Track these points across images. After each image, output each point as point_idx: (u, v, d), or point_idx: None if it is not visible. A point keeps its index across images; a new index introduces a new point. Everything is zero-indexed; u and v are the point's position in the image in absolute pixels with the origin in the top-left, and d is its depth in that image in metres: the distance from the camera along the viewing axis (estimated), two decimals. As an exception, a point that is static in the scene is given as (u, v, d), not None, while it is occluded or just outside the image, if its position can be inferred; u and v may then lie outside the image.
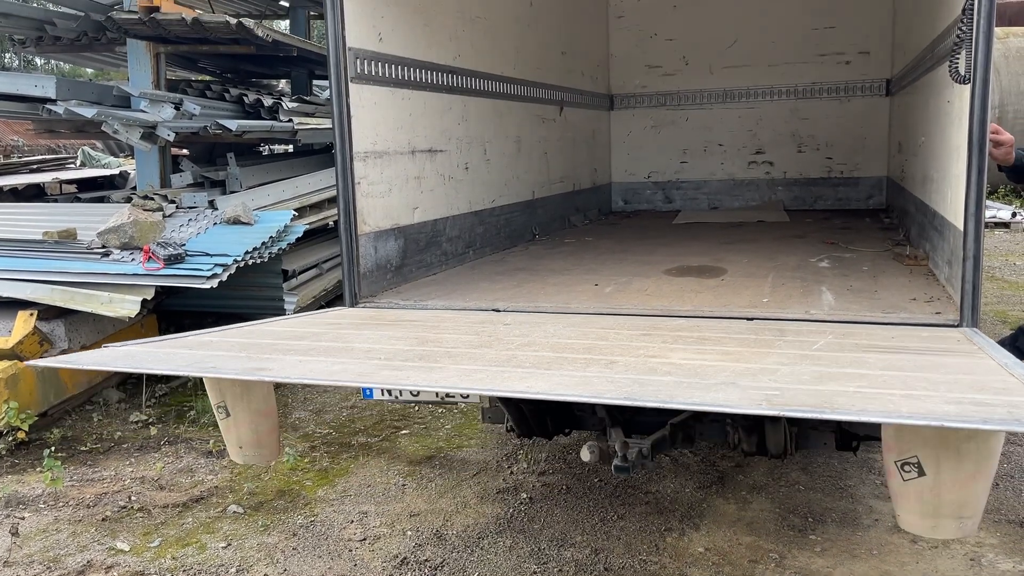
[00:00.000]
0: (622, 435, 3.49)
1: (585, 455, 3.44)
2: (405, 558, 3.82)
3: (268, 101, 7.70)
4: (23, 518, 4.34)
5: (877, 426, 3.33)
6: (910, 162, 5.33)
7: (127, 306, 5.35)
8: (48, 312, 5.46)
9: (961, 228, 2.93)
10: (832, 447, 3.63)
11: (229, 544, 4.04)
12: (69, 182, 9.59)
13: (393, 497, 4.47)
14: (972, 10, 2.80)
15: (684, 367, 2.43)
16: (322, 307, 7.73)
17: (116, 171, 10.76)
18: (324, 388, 6.36)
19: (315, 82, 10.84)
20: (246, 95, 7.73)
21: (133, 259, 5.65)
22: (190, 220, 6.36)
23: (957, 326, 2.91)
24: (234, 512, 4.36)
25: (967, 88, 2.87)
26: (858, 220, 6.40)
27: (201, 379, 6.12)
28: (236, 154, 7.59)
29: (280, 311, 6.38)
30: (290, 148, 10.19)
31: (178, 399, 6.10)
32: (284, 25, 11.89)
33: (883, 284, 3.73)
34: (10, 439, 5.03)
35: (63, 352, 5.54)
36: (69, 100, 6.71)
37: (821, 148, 7.47)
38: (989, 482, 2.19)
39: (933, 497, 2.20)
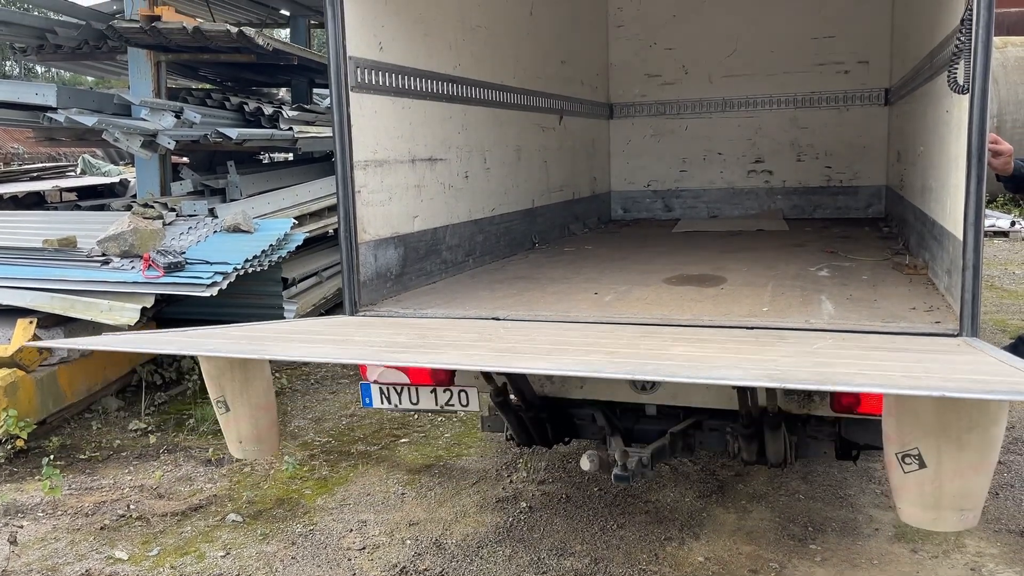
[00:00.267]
0: (622, 444, 3.49)
1: (585, 464, 3.43)
2: (404, 567, 3.81)
3: (268, 109, 7.72)
4: (22, 527, 4.33)
5: (878, 435, 3.32)
6: (909, 171, 5.34)
7: (127, 314, 5.35)
8: (48, 320, 5.46)
9: (960, 238, 2.93)
10: (832, 456, 3.63)
11: (228, 553, 4.03)
12: (69, 190, 9.60)
13: (392, 506, 4.46)
14: (971, 20, 2.81)
15: (685, 357, 2.44)
16: (321, 315, 7.73)
17: (116, 179, 10.78)
18: (324, 396, 6.36)
19: (315, 90, 10.88)
20: (246, 103, 7.75)
21: (133, 267, 5.65)
22: (190, 228, 6.37)
23: (957, 335, 2.92)
24: (233, 521, 4.35)
25: (966, 98, 2.88)
26: (857, 229, 6.40)
27: (201, 384, 6.13)
28: (236, 162, 7.61)
29: (280, 319, 6.38)
30: (290, 156, 10.21)
31: (177, 407, 6.10)
32: (284, 34, 11.93)
33: (883, 293, 3.73)
34: (9, 447, 5.03)
35: (62, 361, 5.54)
36: (70, 108, 6.73)
37: (820, 157, 7.48)
38: (990, 474, 2.18)
39: (934, 489, 2.18)
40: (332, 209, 7.67)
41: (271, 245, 6.23)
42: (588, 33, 7.27)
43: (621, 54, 7.78)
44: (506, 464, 4.90)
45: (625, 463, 3.31)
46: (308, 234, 7.24)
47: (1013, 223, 12.94)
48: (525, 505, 4.36)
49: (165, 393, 6.31)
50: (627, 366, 2.12)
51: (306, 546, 4.06)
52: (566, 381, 3.70)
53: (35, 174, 10.57)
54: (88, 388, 5.82)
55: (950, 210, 3.32)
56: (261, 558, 3.96)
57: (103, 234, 5.85)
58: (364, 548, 4.02)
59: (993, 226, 12.69)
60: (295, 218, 7.17)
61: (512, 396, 3.63)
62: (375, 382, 3.76)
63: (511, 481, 4.67)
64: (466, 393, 3.70)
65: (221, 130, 6.90)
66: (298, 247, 6.69)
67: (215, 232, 6.32)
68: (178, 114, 6.78)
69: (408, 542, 4.05)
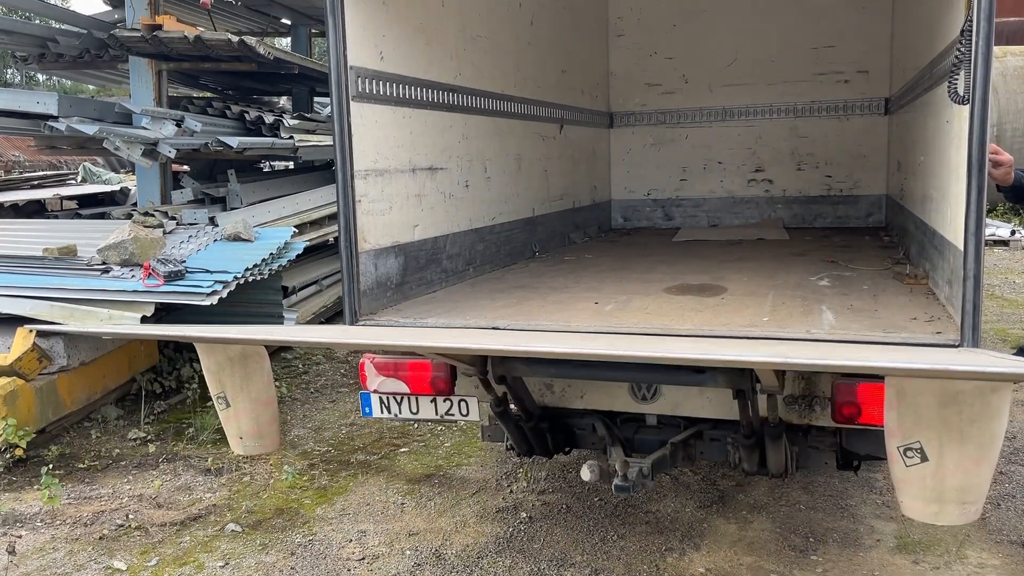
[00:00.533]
0: (622, 454, 3.48)
1: (585, 474, 3.42)
2: (404, 578, 3.79)
3: (269, 118, 7.73)
4: (20, 536, 4.32)
5: (879, 445, 3.31)
6: (909, 181, 5.34)
7: (126, 323, 5.34)
8: (47, 329, 5.45)
9: (961, 248, 2.93)
10: (833, 467, 3.62)
11: (227, 563, 4.01)
12: (70, 198, 9.60)
13: (392, 516, 4.45)
14: (971, 31, 2.81)
15: (688, 349, 2.43)
16: (322, 323, 7.73)
17: (117, 187, 10.78)
18: (323, 405, 6.35)
19: (316, 99, 10.89)
20: (247, 112, 7.76)
21: (133, 276, 5.65)
22: (190, 237, 6.37)
23: (958, 346, 2.91)
24: (232, 531, 4.33)
25: (966, 108, 2.88)
26: (858, 238, 6.40)
27: (200, 394, 6.12)
28: (237, 171, 7.62)
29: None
30: (291, 165, 10.22)
31: (176, 416, 6.09)
32: (285, 43, 11.96)
33: (883, 303, 3.73)
34: (8, 456, 5.01)
35: (61, 370, 5.53)
36: (71, 117, 6.74)
37: (820, 166, 7.48)
38: (992, 467, 2.17)
39: (936, 483, 2.17)
40: (332, 217, 7.67)
41: (271, 254, 6.23)
42: (588, 42, 7.28)
43: (621, 63, 7.79)
44: (506, 474, 4.88)
45: (626, 473, 3.30)
46: (308, 243, 7.24)
47: (1013, 232, 12.95)
48: (525, 515, 4.35)
49: (165, 402, 6.30)
50: (631, 350, 2.12)
51: (305, 556, 4.05)
52: (566, 391, 3.69)
53: (36, 182, 10.58)
54: (88, 397, 5.81)
55: (951, 220, 3.32)
56: (260, 568, 3.95)
57: (103, 243, 5.85)
58: (363, 558, 4.00)
59: (993, 235, 12.69)
60: (295, 226, 7.18)
61: (512, 406, 3.62)
62: (375, 391, 3.75)
63: (511, 491, 4.66)
64: (466, 403, 3.69)
65: (222, 139, 6.91)
66: (298, 255, 6.69)
67: (215, 240, 6.32)
68: (179, 123, 6.79)
69: (408, 552, 4.03)
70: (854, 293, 4.01)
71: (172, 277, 5.56)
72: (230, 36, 7.01)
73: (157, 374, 6.49)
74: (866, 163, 7.30)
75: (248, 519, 4.47)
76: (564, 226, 6.56)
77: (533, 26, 5.86)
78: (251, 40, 7.14)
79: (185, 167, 8.74)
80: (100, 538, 4.29)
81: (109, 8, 9.35)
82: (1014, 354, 4.45)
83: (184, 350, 6.69)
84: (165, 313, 6.28)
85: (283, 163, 10.75)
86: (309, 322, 7.09)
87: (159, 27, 7.03)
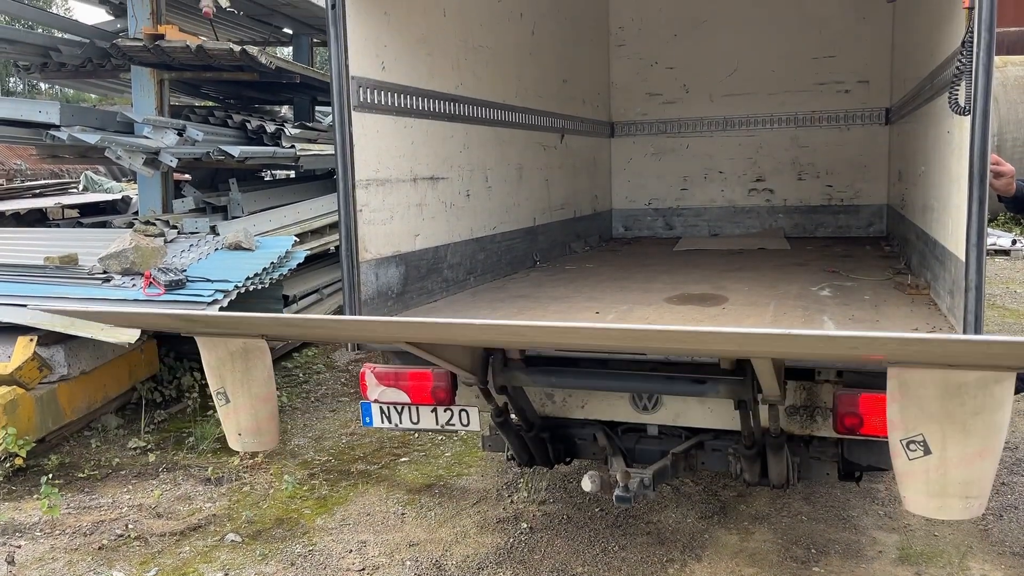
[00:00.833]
0: (623, 464, 3.47)
1: (586, 484, 3.41)
2: (404, 589, 3.78)
3: (271, 127, 7.74)
4: (19, 546, 4.30)
5: (880, 456, 3.31)
6: (910, 191, 5.34)
7: (127, 332, 5.34)
8: (48, 337, 5.44)
9: (963, 258, 2.93)
10: (835, 477, 3.61)
11: (226, 574, 4.00)
12: (71, 207, 9.61)
13: (392, 526, 4.43)
14: (972, 42, 2.82)
15: (691, 330, 2.42)
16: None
17: (118, 196, 10.79)
18: (324, 415, 6.34)
19: (317, 108, 10.91)
20: (249, 121, 7.77)
21: (134, 285, 5.65)
22: (191, 246, 6.37)
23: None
24: (232, 541, 4.32)
25: (967, 119, 2.88)
26: (859, 248, 6.40)
27: (201, 403, 6.11)
28: (238, 180, 7.63)
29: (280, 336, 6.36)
30: (292, 174, 10.24)
31: (177, 425, 6.08)
32: (287, 52, 11.98)
33: (885, 314, 3.72)
34: (7, 465, 5.00)
35: (62, 379, 5.52)
36: (73, 126, 6.74)
37: (821, 176, 7.48)
38: (996, 460, 2.15)
39: (939, 476, 2.15)
40: (334, 226, 7.68)
41: (272, 263, 6.23)
42: (589, 52, 7.30)
43: (622, 73, 7.80)
44: (507, 484, 4.87)
45: (627, 484, 3.29)
46: (309, 251, 7.24)
47: (1014, 241, 12.95)
48: (526, 526, 4.33)
49: (165, 411, 6.29)
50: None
51: (305, 567, 4.03)
52: (567, 401, 3.69)
53: (37, 191, 10.60)
54: (88, 406, 5.80)
55: (952, 230, 3.32)
56: (260, 579, 3.93)
57: (104, 251, 5.85)
58: (363, 569, 3.99)
59: (994, 245, 12.69)
60: (296, 235, 7.18)
61: (513, 416, 3.61)
62: (376, 401, 3.75)
63: (512, 501, 4.64)
64: (467, 412, 3.69)
65: (223, 148, 6.92)
66: (299, 264, 6.69)
67: (216, 250, 6.32)
68: (181, 132, 6.79)
69: (408, 563, 4.02)
70: (855, 303, 4.00)
71: (173, 286, 5.56)
72: (232, 46, 7.03)
73: (157, 383, 6.48)
74: (867, 173, 7.30)
75: (248, 529, 4.45)
76: (565, 235, 6.55)
77: (534, 36, 5.87)
78: (253, 50, 7.16)
79: (187, 176, 8.76)
80: (99, 548, 4.28)
81: (111, 18, 9.39)
82: None
83: (185, 359, 6.68)
84: (166, 322, 6.27)
85: (284, 172, 10.76)
86: (310, 331, 7.08)
87: (161, 37, 7.05)
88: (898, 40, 6.74)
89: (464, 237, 4.85)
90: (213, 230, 6.73)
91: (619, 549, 4.06)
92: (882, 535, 4.11)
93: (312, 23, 10.32)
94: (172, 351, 6.70)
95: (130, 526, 4.50)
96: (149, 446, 5.67)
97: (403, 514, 4.57)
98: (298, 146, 7.74)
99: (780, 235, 7.41)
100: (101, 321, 3.85)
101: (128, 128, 7.22)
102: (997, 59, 3.14)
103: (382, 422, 3.79)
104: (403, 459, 5.38)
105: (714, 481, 4.73)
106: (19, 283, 5.78)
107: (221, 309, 5.54)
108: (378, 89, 3.96)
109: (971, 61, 2.83)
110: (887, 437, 2.24)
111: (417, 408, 3.72)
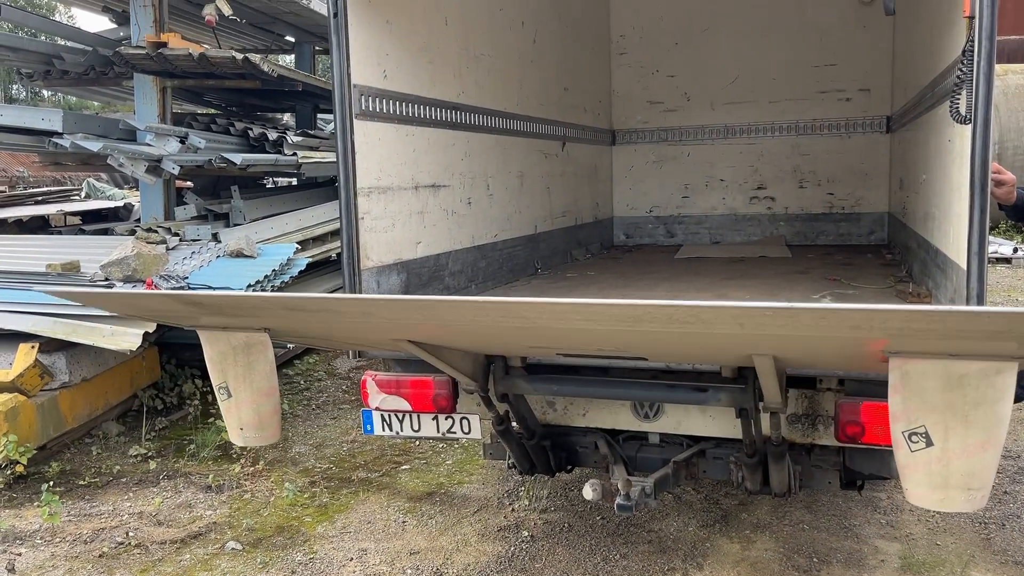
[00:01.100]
0: (625, 473, 3.46)
1: (588, 493, 3.41)
2: (405, 597, 3.77)
3: (273, 135, 7.76)
4: (20, 554, 4.30)
5: (883, 464, 3.31)
6: (912, 199, 5.35)
7: (129, 339, 5.34)
8: (50, 344, 5.45)
9: (964, 267, 2.93)
10: (837, 486, 3.60)
11: (227, 581, 3.99)
12: (74, 214, 9.63)
13: (393, 534, 4.42)
14: (972, 51, 2.82)
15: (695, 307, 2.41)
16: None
17: (120, 203, 10.81)
18: (325, 422, 6.33)
19: (319, 116, 10.94)
20: (251, 129, 7.79)
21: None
22: (193, 253, 6.38)
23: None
24: (232, 549, 4.31)
25: (968, 128, 2.89)
26: (860, 256, 6.39)
27: (202, 410, 6.11)
28: (240, 187, 7.64)
29: (281, 344, 6.37)
30: (294, 181, 10.25)
31: (178, 433, 6.07)
32: (289, 60, 12.02)
33: (886, 321, 3.71)
34: (8, 473, 5.00)
35: (63, 386, 5.52)
36: (75, 133, 6.77)
37: (822, 184, 7.49)
38: (998, 452, 2.14)
39: (941, 468, 2.14)
40: (335, 233, 7.68)
41: (274, 270, 6.23)
42: (591, 60, 7.31)
43: (623, 81, 7.82)
44: (508, 492, 4.86)
45: (628, 492, 3.29)
46: (311, 259, 7.24)
47: (1015, 249, 12.95)
48: (527, 534, 4.32)
49: (166, 418, 6.29)
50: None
51: (306, 575, 4.02)
52: (568, 408, 3.68)
53: (40, 198, 10.62)
54: (89, 413, 5.79)
55: (953, 239, 3.31)
56: (260, 587, 3.92)
57: (106, 259, 5.86)
58: (364, 577, 3.98)
59: (996, 253, 12.69)
60: (298, 243, 7.19)
61: (514, 424, 3.61)
62: (377, 409, 3.74)
63: (513, 510, 4.64)
64: (468, 420, 3.68)
65: (225, 155, 6.93)
66: (301, 272, 6.70)
67: (218, 257, 6.33)
68: (183, 139, 6.81)
69: (409, 571, 4.01)
70: (857, 311, 3.99)
71: (175, 293, 5.56)
72: (234, 53, 7.05)
73: (159, 390, 6.48)
74: (868, 181, 7.31)
75: (248, 537, 4.44)
76: (566, 243, 6.56)
77: (536, 44, 5.89)
78: (255, 57, 7.19)
79: (189, 183, 8.78)
80: (100, 556, 4.27)
81: (114, 25, 9.43)
82: None
83: (186, 366, 6.68)
84: (167, 329, 6.28)
85: (286, 179, 10.78)
86: (311, 338, 7.07)
87: (164, 44, 7.08)
88: (899, 48, 6.75)
89: (465, 245, 4.85)
90: (215, 237, 6.74)
91: (620, 558, 4.05)
92: (884, 544, 4.10)
93: (314, 31, 10.35)
94: (173, 358, 6.70)
95: (131, 534, 4.50)
96: (150, 453, 5.66)
97: (404, 522, 4.56)
98: (300, 154, 7.75)
99: (781, 243, 7.41)
100: (104, 306, 3.84)
101: (131, 135, 7.24)
102: (998, 67, 3.14)
103: (383, 430, 3.79)
104: (404, 467, 5.38)
105: (715, 489, 4.72)
106: (21, 290, 5.78)
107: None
108: (380, 97, 3.98)
109: (972, 70, 2.83)
110: (889, 446, 2.24)
111: (418, 416, 3.71)
